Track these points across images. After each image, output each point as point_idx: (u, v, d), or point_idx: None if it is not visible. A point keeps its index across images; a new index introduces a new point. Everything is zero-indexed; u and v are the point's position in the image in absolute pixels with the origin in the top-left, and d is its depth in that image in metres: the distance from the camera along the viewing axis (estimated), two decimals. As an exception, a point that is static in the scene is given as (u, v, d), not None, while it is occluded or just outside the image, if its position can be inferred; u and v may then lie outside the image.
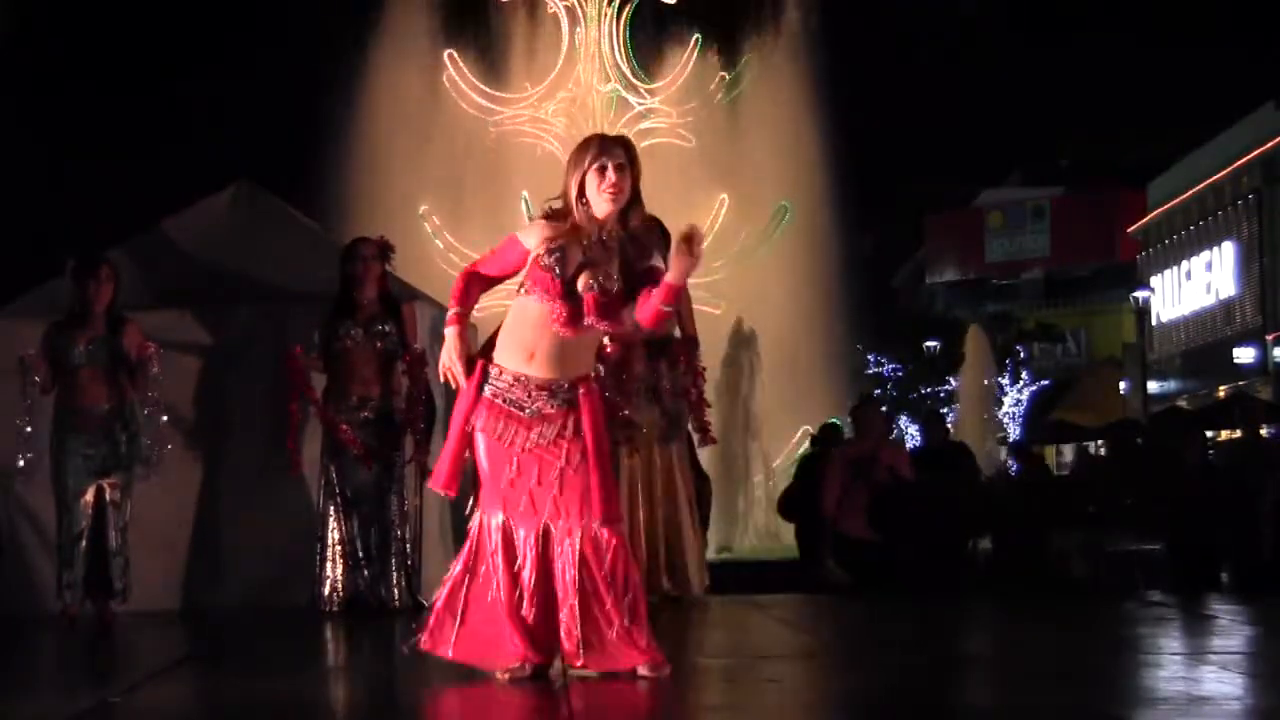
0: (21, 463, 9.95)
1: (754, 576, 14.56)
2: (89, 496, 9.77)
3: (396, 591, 9.98)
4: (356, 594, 9.97)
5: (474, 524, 6.36)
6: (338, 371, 10.10)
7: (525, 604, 6.22)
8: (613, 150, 6.26)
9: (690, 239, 5.95)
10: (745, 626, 9.35)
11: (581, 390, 6.26)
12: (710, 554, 11.71)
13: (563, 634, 6.21)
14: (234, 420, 10.71)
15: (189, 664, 7.89)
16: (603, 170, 6.21)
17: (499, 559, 6.25)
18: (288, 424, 10.18)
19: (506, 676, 6.19)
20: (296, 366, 10.05)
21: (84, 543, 9.75)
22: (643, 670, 6.11)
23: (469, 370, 6.30)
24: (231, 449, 10.72)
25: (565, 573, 6.20)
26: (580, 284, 6.15)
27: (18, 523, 10.58)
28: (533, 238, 6.30)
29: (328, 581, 10.00)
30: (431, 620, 6.43)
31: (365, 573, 9.98)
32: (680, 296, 6.18)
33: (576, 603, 6.16)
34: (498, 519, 6.28)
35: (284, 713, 5.75)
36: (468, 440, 6.32)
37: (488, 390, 6.27)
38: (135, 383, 9.87)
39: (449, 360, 6.32)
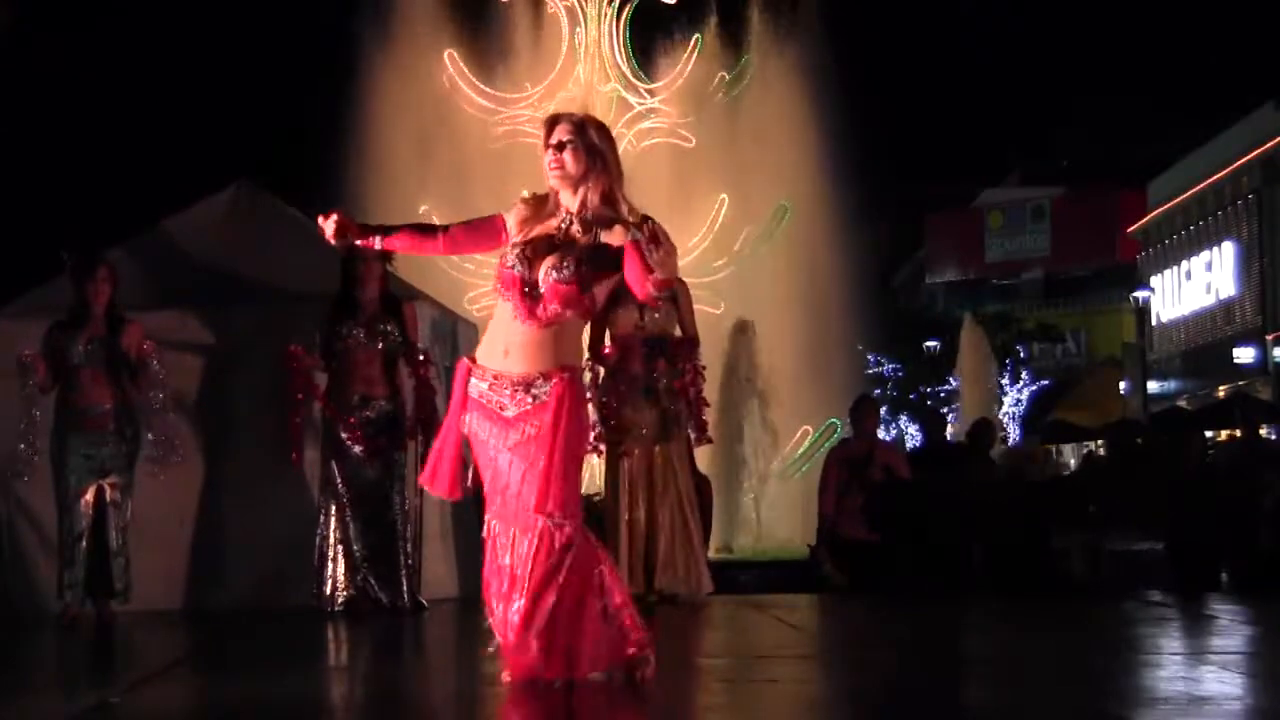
0: (27, 465, 9.98)
1: (753, 577, 14.57)
2: (89, 496, 9.79)
3: (398, 591, 9.97)
4: (358, 594, 9.96)
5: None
6: (339, 371, 10.10)
7: (514, 609, 6.12)
8: (557, 127, 6.23)
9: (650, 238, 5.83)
10: (744, 627, 9.36)
11: (555, 381, 6.13)
12: (710, 554, 11.71)
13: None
14: (235, 420, 10.72)
15: (190, 664, 7.90)
16: (550, 150, 6.21)
17: (494, 563, 6.21)
18: (289, 423, 10.18)
19: (509, 677, 6.15)
20: (298, 366, 10.05)
21: (84, 543, 9.77)
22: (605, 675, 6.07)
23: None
24: (232, 449, 10.72)
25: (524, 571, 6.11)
26: (540, 275, 6.13)
27: (18, 523, 10.59)
28: (512, 219, 6.31)
29: (329, 581, 10.00)
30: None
31: (367, 573, 9.98)
32: (667, 286, 6.01)
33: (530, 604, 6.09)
34: (492, 524, 6.24)
35: (285, 713, 5.76)
36: (462, 440, 6.29)
37: (474, 390, 6.24)
38: (137, 382, 9.89)
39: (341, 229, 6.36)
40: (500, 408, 6.17)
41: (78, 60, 36.59)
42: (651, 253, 5.78)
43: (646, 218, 5.94)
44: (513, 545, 6.14)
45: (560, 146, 6.19)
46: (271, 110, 39.07)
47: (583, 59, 22.65)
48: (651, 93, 22.82)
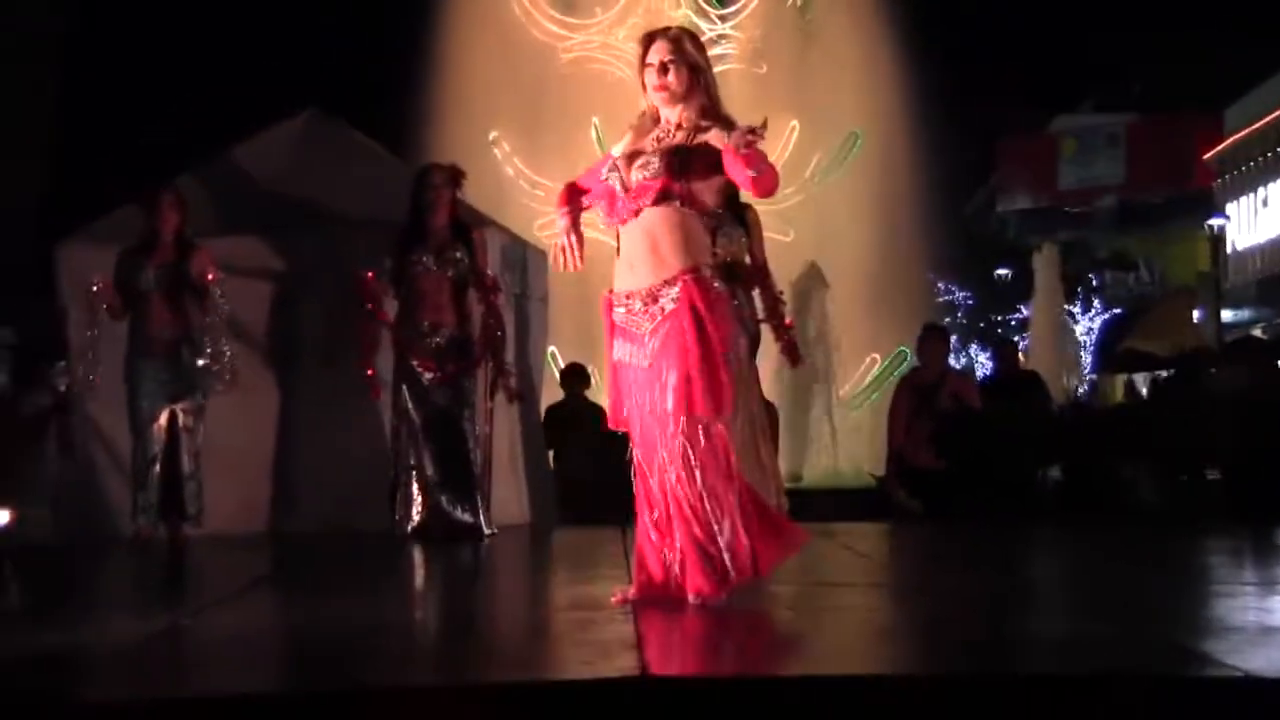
0: (90, 385, 10.11)
1: (824, 505, 14.56)
2: (162, 421, 9.90)
3: (471, 516, 10.03)
4: (431, 518, 10.02)
5: None
6: (409, 298, 10.13)
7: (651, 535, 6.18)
8: (657, 47, 6.20)
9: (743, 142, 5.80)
10: (812, 554, 9.34)
11: (680, 284, 6.06)
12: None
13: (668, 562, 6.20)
14: (305, 346, 10.80)
15: (261, 587, 7.95)
16: (651, 70, 6.18)
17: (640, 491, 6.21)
18: (361, 349, 10.21)
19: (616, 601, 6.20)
20: (370, 290, 10.08)
21: (158, 467, 9.89)
22: (691, 600, 6.08)
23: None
24: (303, 374, 10.80)
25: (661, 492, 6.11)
26: (631, 179, 6.11)
27: (92, 446, 10.71)
28: (619, 149, 6.31)
29: (403, 506, 10.06)
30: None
31: (441, 498, 10.03)
32: (755, 163, 5.84)
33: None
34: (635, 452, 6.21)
35: (358, 636, 5.79)
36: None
37: (617, 318, 6.22)
38: (203, 308, 9.97)
39: (563, 230, 6.28)
40: (637, 327, 6.15)
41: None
42: (743, 147, 5.78)
43: (749, 127, 5.88)
44: (657, 470, 6.12)
45: (664, 68, 6.16)
46: (343, 38, 39.10)
47: (653, -16, 22.49)
48: (722, 18, 22.68)
